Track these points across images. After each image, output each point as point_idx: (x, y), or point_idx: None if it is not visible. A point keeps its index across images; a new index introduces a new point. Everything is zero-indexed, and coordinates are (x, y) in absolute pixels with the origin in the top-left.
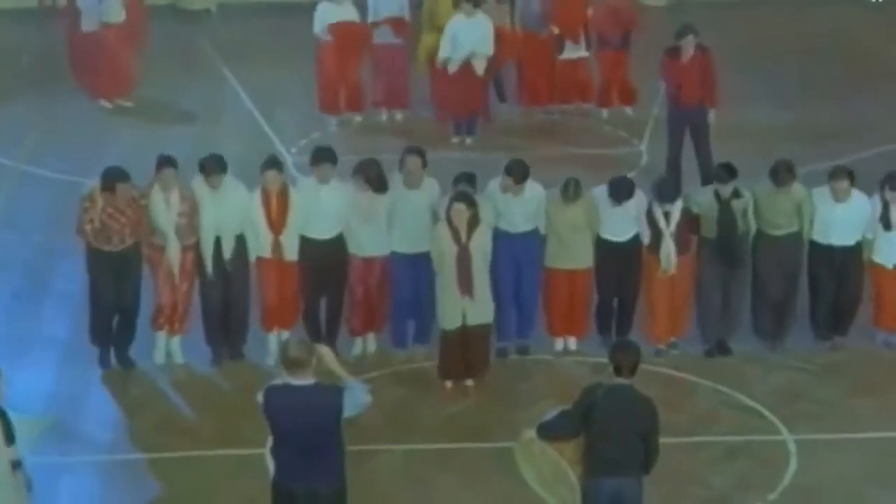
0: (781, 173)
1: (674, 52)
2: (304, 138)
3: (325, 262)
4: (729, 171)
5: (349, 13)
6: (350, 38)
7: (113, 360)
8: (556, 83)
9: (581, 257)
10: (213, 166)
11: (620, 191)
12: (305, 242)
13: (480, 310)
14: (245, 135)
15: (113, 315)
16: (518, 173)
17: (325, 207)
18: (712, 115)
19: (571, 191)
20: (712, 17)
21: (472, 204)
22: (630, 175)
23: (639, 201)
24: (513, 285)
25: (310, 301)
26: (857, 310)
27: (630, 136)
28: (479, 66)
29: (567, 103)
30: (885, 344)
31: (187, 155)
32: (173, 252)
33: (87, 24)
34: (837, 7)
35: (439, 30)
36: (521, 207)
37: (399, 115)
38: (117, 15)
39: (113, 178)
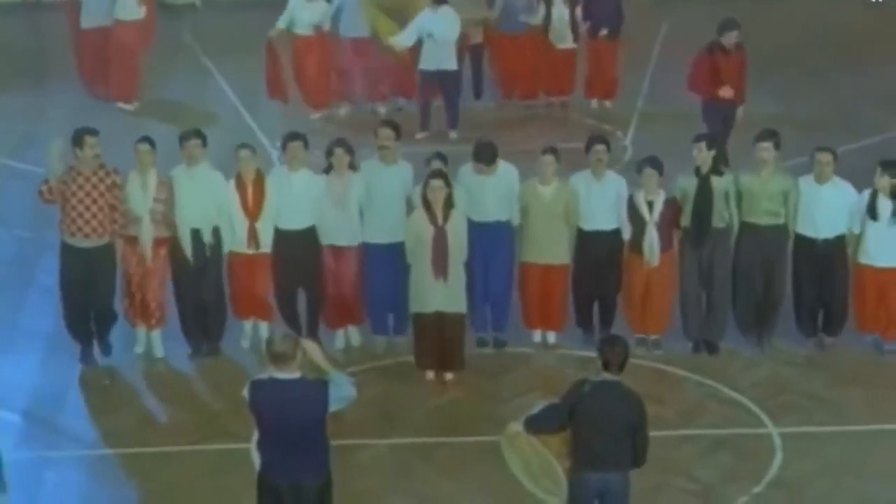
0: (763, 132)
1: (715, 47)
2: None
3: (298, 254)
4: (705, 136)
5: (321, 9)
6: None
7: (95, 356)
8: (544, 72)
9: (556, 252)
10: (190, 134)
11: (484, 154)
12: (278, 234)
13: (454, 298)
14: (229, 129)
15: (85, 313)
16: (485, 155)
17: (297, 195)
18: (740, 112)
19: (549, 148)
20: (703, 12)
21: (448, 182)
22: (615, 169)
23: (619, 188)
24: (483, 279)
25: (284, 295)
26: (847, 309)
27: (614, 130)
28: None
29: (550, 96)
30: (875, 347)
31: (170, 149)
32: (145, 237)
33: (88, 21)
34: (835, 2)
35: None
36: (493, 188)
37: (382, 108)
38: (134, 12)
39: (81, 130)
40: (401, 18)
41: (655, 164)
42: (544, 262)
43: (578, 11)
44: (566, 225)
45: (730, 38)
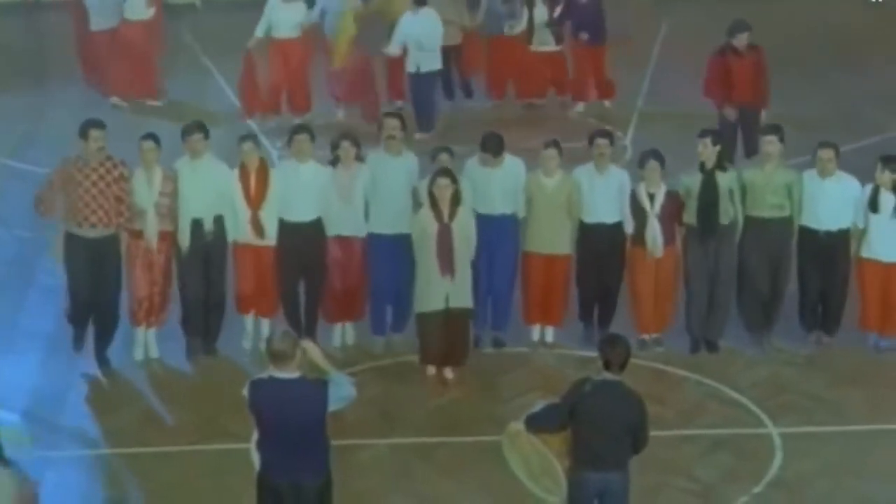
0: (767, 126)
1: (726, 49)
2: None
3: (304, 246)
4: (711, 131)
5: (299, 12)
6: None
7: (86, 346)
8: (529, 75)
9: (559, 242)
10: (193, 128)
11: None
12: (284, 226)
13: (460, 293)
14: (229, 129)
15: (89, 305)
16: (493, 146)
17: (304, 187)
18: (764, 116)
19: (552, 142)
20: (703, 12)
21: (455, 180)
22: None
23: (622, 181)
24: (487, 273)
25: (287, 286)
26: (844, 307)
27: (615, 130)
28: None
29: (542, 97)
30: (875, 348)
31: (171, 149)
32: (151, 230)
33: (97, 23)
34: (835, 2)
35: (391, 26)
36: (500, 181)
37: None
38: (142, 12)
39: (88, 123)
40: (381, 22)
41: (658, 156)
42: (547, 252)
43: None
44: (568, 216)
45: (741, 40)
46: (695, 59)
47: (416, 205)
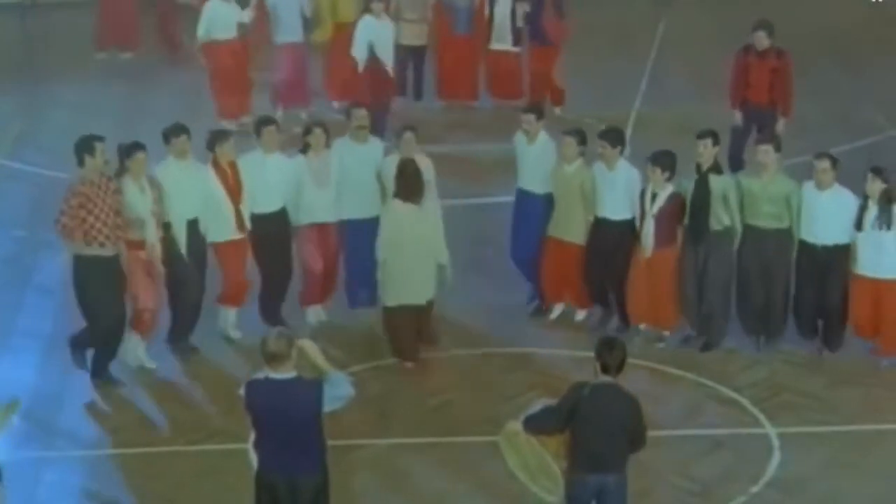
0: (762, 135)
1: (748, 48)
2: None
3: (271, 236)
4: (711, 132)
5: (233, 12)
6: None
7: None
8: (486, 74)
9: (572, 230)
10: (178, 130)
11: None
12: (252, 218)
13: (430, 285)
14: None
15: (115, 324)
16: (535, 111)
17: (269, 179)
18: (782, 124)
19: (575, 133)
20: (702, 12)
21: (416, 168)
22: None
23: (629, 178)
24: (514, 245)
25: (266, 273)
26: (845, 324)
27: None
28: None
29: (496, 97)
30: (873, 353)
31: (165, 146)
32: (152, 238)
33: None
34: (835, 2)
35: (338, 26)
36: (533, 158)
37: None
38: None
39: (90, 137)
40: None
41: (661, 159)
42: (559, 237)
43: (520, 11)
44: (583, 206)
45: (759, 40)
46: (694, 59)
47: (383, 188)
